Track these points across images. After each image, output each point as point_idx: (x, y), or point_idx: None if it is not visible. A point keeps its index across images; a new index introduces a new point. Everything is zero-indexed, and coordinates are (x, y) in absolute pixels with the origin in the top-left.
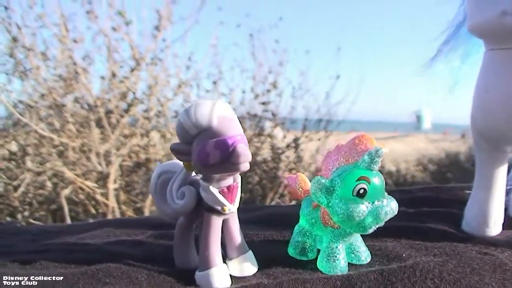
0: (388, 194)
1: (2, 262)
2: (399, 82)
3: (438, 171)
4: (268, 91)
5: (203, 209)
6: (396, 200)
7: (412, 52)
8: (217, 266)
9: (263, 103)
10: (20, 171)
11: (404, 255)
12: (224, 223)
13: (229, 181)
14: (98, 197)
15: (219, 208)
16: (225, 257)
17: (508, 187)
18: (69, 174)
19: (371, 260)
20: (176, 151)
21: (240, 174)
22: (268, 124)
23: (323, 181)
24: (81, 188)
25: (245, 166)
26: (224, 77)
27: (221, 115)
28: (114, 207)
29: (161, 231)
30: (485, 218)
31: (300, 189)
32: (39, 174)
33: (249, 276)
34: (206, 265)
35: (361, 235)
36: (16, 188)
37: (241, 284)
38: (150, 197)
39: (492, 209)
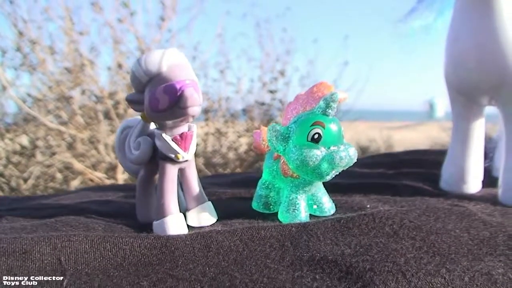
0: (372, 157)
1: None
2: (410, 69)
3: None
4: (276, 79)
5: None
6: (378, 163)
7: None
8: (172, 214)
9: (271, 92)
10: (31, 164)
11: (369, 206)
12: (182, 173)
13: (183, 128)
14: None
15: (173, 156)
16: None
17: (492, 147)
18: (78, 165)
19: (335, 213)
20: (130, 101)
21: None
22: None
23: (278, 127)
24: (90, 179)
25: (193, 110)
26: (231, 66)
27: (171, 62)
28: None
29: (133, 193)
30: (462, 174)
31: (264, 143)
32: (48, 166)
33: (206, 226)
34: (161, 213)
35: (329, 191)
36: (25, 180)
37: (195, 231)
38: None
39: (469, 165)
